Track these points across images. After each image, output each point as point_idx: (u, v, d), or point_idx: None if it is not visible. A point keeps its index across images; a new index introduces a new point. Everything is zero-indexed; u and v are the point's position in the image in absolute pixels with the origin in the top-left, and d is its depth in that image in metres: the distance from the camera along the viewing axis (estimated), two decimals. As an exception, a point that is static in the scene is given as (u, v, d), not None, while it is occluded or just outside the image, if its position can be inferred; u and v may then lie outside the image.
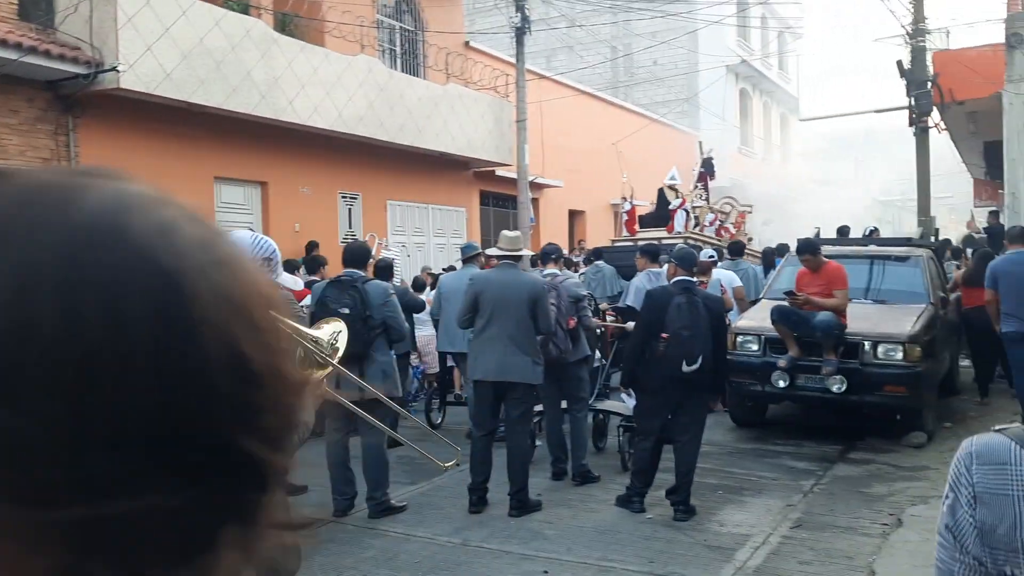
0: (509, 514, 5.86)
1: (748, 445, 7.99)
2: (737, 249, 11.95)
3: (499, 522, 5.77)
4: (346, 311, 5.36)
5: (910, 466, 7.11)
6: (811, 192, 37.76)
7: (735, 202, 19.04)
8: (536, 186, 18.72)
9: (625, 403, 6.52)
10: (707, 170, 18.18)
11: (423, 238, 15.86)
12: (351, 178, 14.00)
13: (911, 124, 16.01)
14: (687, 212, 15.46)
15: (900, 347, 7.55)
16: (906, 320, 7.87)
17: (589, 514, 5.94)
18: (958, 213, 28.23)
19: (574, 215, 21.22)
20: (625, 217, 15.90)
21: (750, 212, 19.50)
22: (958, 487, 1.26)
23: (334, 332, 2.12)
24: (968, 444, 1.29)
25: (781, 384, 7.80)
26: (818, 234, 9.87)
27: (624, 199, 16.22)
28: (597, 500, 6.24)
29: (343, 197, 13.95)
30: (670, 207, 15.57)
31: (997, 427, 1.30)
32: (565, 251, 12.12)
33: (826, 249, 8.60)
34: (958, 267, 12.52)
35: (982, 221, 19.62)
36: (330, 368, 1.99)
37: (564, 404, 7.02)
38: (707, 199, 17.53)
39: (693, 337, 5.59)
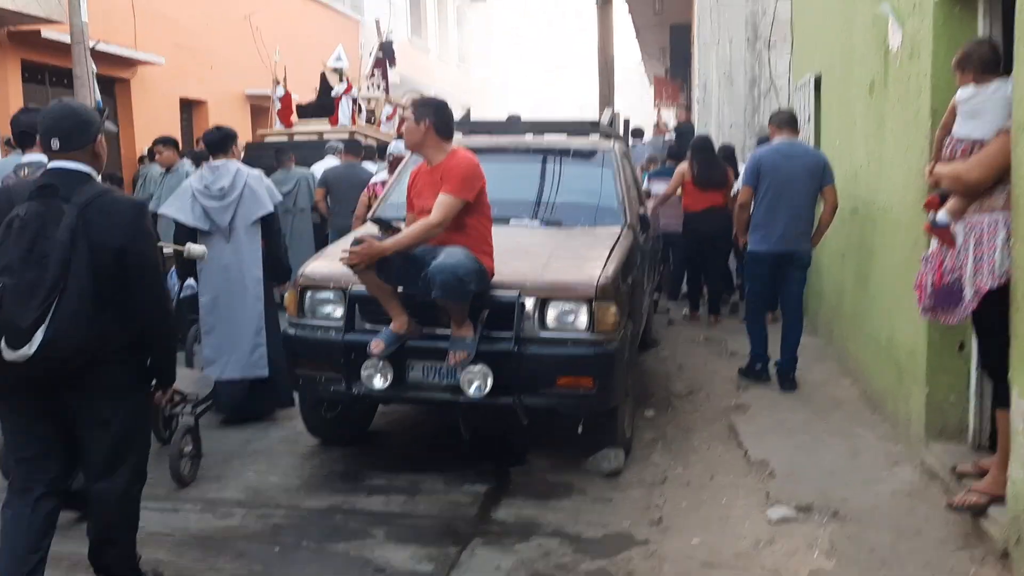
0: None
1: (313, 501, 4.21)
2: None
3: None
4: None
5: (604, 533, 3.82)
6: (498, 93, 35.46)
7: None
8: (123, 62, 13.74)
9: None
10: (387, 55, 15.03)
11: (-95, 126, 10.24)
12: None
13: (593, -5, 13.29)
14: (354, 101, 12.23)
15: (584, 307, 4.17)
16: (593, 257, 4.50)
17: None
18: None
19: (190, 105, 16.29)
20: (279, 105, 12.40)
21: (441, 109, 16.46)
22: None
23: None
24: None
25: (378, 383, 4.14)
26: (468, 115, 6.34)
27: (277, 83, 12.35)
28: None
29: None
30: (333, 94, 12.16)
31: None
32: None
33: (470, 140, 5.09)
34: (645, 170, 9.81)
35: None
36: None
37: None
38: (386, 89, 14.52)
39: (25, 289, 2.46)
